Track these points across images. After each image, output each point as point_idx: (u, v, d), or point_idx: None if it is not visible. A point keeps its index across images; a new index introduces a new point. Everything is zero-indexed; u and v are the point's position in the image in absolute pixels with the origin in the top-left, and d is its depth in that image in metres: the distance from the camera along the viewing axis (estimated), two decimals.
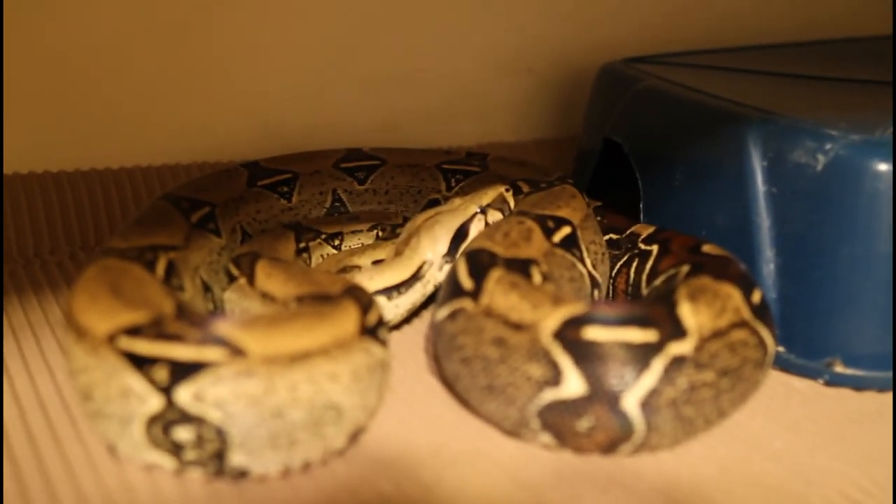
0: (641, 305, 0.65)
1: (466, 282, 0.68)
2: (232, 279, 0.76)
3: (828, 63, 1.08)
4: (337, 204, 0.95)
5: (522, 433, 0.66)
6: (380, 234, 0.90)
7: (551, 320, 0.62)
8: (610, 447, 0.64)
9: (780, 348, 0.80)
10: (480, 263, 0.69)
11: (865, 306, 0.76)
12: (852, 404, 0.74)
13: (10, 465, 0.61)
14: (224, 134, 1.08)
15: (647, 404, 0.61)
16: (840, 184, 0.76)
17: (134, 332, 0.58)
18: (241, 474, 0.60)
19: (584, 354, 0.61)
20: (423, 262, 0.80)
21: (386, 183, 0.97)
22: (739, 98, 0.88)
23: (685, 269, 0.75)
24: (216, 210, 0.84)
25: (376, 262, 0.84)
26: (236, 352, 0.57)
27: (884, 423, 0.71)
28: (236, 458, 0.59)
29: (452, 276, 0.70)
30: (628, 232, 0.88)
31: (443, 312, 0.69)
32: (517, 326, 0.63)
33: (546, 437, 0.64)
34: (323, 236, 0.88)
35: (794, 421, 0.71)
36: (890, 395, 0.75)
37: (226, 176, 0.91)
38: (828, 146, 0.76)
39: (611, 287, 0.87)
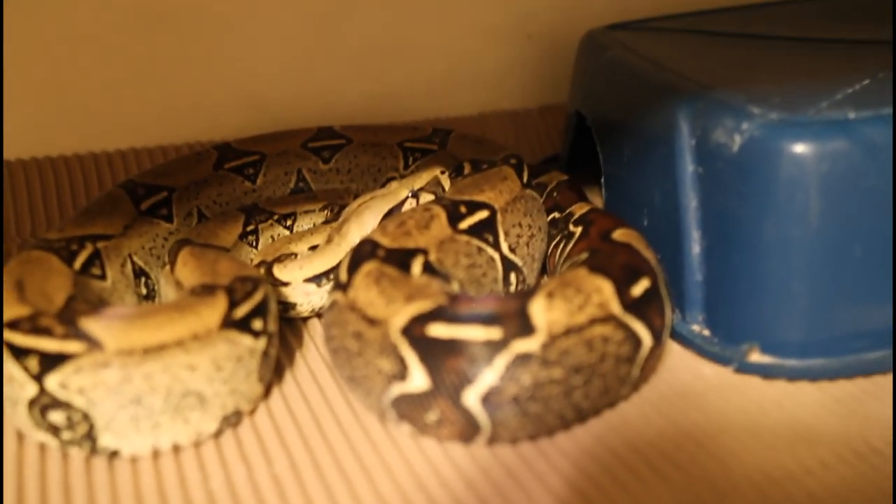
0: (496, 301, 0.65)
1: (343, 274, 0.70)
2: (165, 265, 0.81)
3: (821, 22, 1.01)
4: (301, 184, 0.98)
5: (385, 422, 0.68)
6: (328, 215, 0.92)
7: (400, 316, 0.64)
8: (463, 439, 0.66)
9: (706, 332, 0.78)
10: (359, 255, 0.71)
11: (780, 293, 0.73)
12: (754, 394, 0.72)
13: None
14: (214, 114, 1.13)
15: (488, 401, 0.63)
16: (755, 166, 0.72)
17: (13, 325, 0.64)
18: (114, 454, 0.66)
19: (428, 351, 0.63)
20: (352, 249, 0.83)
21: (349, 162, 0.99)
22: (687, 69, 0.85)
23: (584, 256, 0.74)
24: (174, 195, 0.89)
25: (313, 248, 0.87)
26: (94, 345, 0.62)
27: (781, 413, 0.69)
28: (105, 439, 0.65)
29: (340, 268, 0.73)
30: (567, 211, 0.87)
31: (326, 302, 0.72)
32: (372, 321, 0.65)
33: (405, 427, 0.67)
34: (275, 217, 0.92)
35: (681, 412, 0.70)
36: (796, 386, 0.73)
37: (195, 159, 0.96)
38: (744, 125, 0.73)
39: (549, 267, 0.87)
